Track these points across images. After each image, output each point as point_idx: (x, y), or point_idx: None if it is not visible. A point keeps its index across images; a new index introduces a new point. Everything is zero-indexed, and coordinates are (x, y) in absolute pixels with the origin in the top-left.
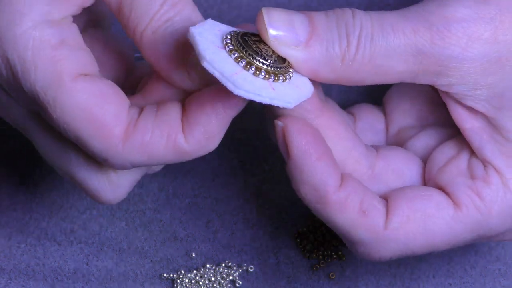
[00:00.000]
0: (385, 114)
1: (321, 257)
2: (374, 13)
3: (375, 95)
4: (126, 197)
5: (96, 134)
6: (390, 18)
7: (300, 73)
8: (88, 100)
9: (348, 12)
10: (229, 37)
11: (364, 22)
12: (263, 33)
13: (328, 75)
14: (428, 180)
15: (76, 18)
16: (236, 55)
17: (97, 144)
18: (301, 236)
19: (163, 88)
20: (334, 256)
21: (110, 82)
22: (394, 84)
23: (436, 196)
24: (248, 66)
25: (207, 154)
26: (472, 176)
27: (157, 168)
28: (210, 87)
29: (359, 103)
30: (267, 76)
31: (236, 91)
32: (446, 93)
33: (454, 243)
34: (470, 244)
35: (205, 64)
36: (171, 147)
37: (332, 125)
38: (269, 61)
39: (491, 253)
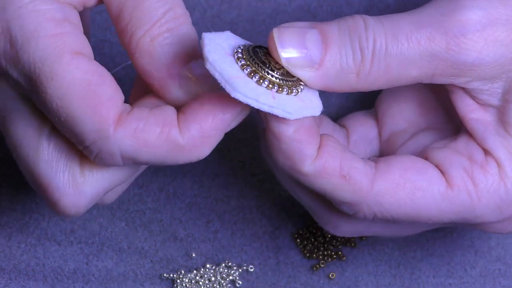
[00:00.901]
0: (377, 118)
1: (321, 257)
2: (386, 20)
3: (369, 101)
4: (126, 197)
5: (90, 112)
6: (404, 26)
7: (312, 88)
8: (86, 77)
9: (360, 23)
10: (241, 47)
11: (377, 34)
12: (275, 55)
13: (342, 89)
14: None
15: None
16: (242, 62)
17: (90, 123)
18: (301, 236)
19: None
20: (334, 256)
21: (107, 71)
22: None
23: (431, 171)
24: (252, 74)
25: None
26: (470, 159)
27: (110, 200)
28: (213, 92)
29: (351, 113)
30: (270, 85)
31: (233, 94)
32: (462, 88)
33: (438, 220)
34: (456, 226)
35: (207, 66)
36: (165, 138)
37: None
38: (275, 72)
39: (491, 253)
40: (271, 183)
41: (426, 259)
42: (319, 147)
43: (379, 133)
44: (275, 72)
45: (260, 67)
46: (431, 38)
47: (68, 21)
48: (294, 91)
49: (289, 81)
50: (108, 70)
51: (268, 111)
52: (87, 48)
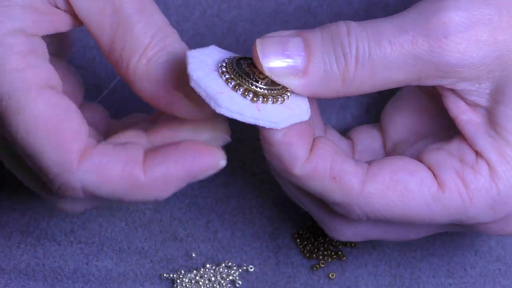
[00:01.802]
0: (382, 130)
1: (321, 257)
2: (369, 25)
3: (373, 112)
4: None
5: (55, 146)
6: (386, 31)
7: (299, 95)
8: (52, 111)
9: (342, 29)
10: (226, 61)
11: (360, 39)
12: (259, 66)
13: (330, 95)
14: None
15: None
16: (227, 76)
17: (53, 157)
18: (301, 236)
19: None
20: (334, 256)
21: (73, 103)
22: (390, 99)
23: (423, 173)
24: (237, 87)
25: None
26: (462, 161)
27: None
28: (192, 140)
29: (357, 127)
30: (255, 98)
31: (218, 109)
32: (451, 90)
33: (431, 222)
34: (457, 230)
35: (192, 84)
36: (127, 175)
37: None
38: (260, 82)
39: (491, 253)
40: (271, 183)
41: (426, 259)
42: (311, 149)
43: (384, 144)
44: (260, 83)
45: (244, 79)
46: (414, 41)
47: (35, 53)
48: (280, 99)
49: (275, 89)
50: (109, 78)
51: (255, 123)
52: (54, 80)
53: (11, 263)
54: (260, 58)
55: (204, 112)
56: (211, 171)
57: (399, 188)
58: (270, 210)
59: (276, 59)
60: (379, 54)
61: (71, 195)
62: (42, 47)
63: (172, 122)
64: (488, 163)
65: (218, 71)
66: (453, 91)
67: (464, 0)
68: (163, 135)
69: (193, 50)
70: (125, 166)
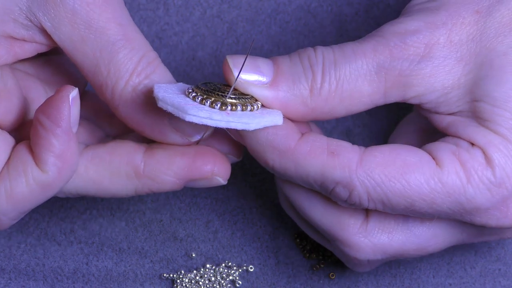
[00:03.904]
0: None
1: (321, 257)
2: (335, 45)
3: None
4: (126, 197)
5: None
6: (351, 45)
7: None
8: None
9: (309, 48)
10: (192, 87)
11: (326, 53)
12: (229, 76)
13: (299, 108)
14: None
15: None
16: (193, 94)
17: None
18: (301, 236)
19: None
20: (334, 256)
21: (7, 137)
22: (395, 128)
23: (421, 153)
24: (204, 101)
25: None
26: (457, 145)
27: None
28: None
29: None
30: (223, 107)
31: (187, 117)
32: (419, 105)
33: (432, 204)
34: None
35: (159, 104)
36: (32, 183)
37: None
38: (227, 93)
39: (491, 253)
40: (271, 183)
41: (426, 259)
42: (303, 134)
43: None
44: (227, 93)
45: (211, 93)
46: (375, 49)
47: None
48: (249, 107)
49: (243, 98)
50: None
51: (226, 127)
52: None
53: (11, 263)
54: (232, 68)
55: (189, 139)
56: (65, 113)
57: (398, 162)
58: (270, 210)
59: (246, 71)
60: (344, 63)
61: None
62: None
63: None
64: (482, 149)
65: (185, 93)
66: (423, 107)
67: (415, 12)
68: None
69: (161, 84)
70: (26, 175)
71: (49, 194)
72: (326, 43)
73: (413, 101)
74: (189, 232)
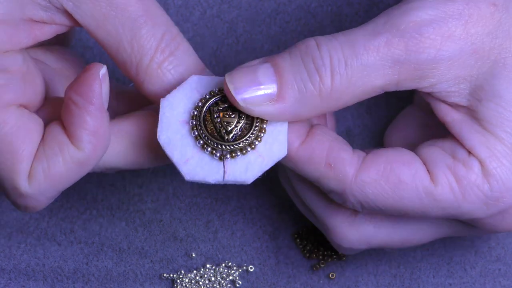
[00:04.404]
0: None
1: (321, 257)
2: (340, 35)
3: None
4: (126, 197)
5: (7, 167)
6: (359, 38)
7: (277, 127)
8: (11, 132)
9: (311, 43)
10: (198, 109)
11: (333, 49)
12: (232, 101)
13: (310, 114)
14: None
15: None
16: (196, 133)
17: (7, 180)
18: (301, 236)
19: None
20: (334, 256)
21: (37, 124)
22: (393, 120)
23: (417, 165)
24: (205, 146)
25: None
26: (454, 157)
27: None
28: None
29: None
30: (222, 157)
31: (186, 178)
32: (429, 93)
33: (425, 215)
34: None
35: (160, 144)
36: (69, 161)
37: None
38: (231, 133)
39: (491, 253)
40: (271, 183)
41: (426, 259)
42: (308, 135)
43: None
44: (230, 136)
45: (213, 137)
46: (389, 43)
47: (4, 71)
48: (250, 149)
49: (245, 138)
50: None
51: (223, 183)
52: (26, 98)
53: (11, 263)
54: (232, 92)
55: None
56: (97, 91)
57: (392, 179)
58: (270, 210)
59: (248, 90)
60: (356, 61)
61: (37, 205)
62: (16, 63)
63: None
64: (479, 160)
65: (189, 123)
66: (434, 95)
67: (429, 0)
68: None
69: (168, 95)
70: (62, 153)
71: (85, 171)
72: None
73: (425, 90)
74: (189, 232)
